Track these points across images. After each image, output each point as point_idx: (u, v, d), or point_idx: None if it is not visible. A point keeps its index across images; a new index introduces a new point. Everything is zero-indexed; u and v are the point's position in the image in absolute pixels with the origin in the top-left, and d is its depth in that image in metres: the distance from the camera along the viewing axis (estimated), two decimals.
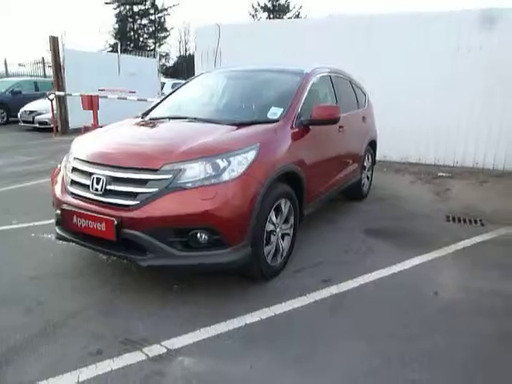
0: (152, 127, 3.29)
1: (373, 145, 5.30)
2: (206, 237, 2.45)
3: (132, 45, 34.87)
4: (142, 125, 3.36)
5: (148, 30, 36.26)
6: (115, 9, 34.78)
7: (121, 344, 2.24)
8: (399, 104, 7.17)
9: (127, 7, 34.67)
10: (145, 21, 35.55)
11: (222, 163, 2.52)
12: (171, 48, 41.94)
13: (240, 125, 3.03)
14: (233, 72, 4.10)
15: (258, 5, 35.60)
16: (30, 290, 2.79)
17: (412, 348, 2.25)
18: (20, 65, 16.74)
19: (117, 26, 35.20)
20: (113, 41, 35.12)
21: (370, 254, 3.51)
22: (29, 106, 11.52)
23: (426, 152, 7.31)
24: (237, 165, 2.55)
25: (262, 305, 2.64)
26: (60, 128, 10.73)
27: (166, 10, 34.76)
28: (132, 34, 35.88)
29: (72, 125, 10.70)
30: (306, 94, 3.48)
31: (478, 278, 3.11)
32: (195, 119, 3.26)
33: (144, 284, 2.90)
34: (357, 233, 4.00)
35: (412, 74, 7.10)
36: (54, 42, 10.02)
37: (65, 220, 2.72)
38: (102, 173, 2.62)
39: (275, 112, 3.26)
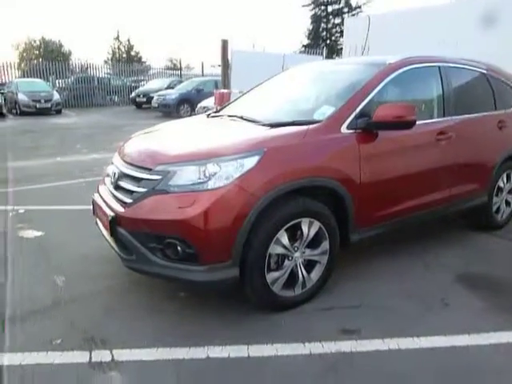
0: (193, 126, 3.18)
1: None
2: (180, 248, 2.19)
3: (323, 44, 35.63)
4: (190, 123, 3.29)
5: (340, 28, 36.28)
6: (311, 10, 36.10)
7: (82, 340, 2.22)
8: None
9: (322, 8, 35.45)
10: (337, 20, 35.65)
11: (212, 169, 2.21)
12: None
13: (276, 125, 2.61)
14: (311, 67, 3.60)
15: None
16: (82, 267, 3.07)
17: None
18: (212, 66, 19.24)
19: (311, 26, 36.52)
20: (306, 41, 36.71)
21: (441, 309, 2.57)
22: (203, 102, 13.03)
23: None
24: (228, 172, 2.19)
25: (245, 340, 2.22)
26: None
27: (359, 7, 34.04)
28: (324, 33, 36.61)
29: None
30: (377, 89, 2.75)
31: None
32: (241, 118, 2.97)
33: (158, 284, 2.82)
34: (445, 275, 2.99)
35: None
36: (224, 44, 11.00)
37: (93, 209, 2.88)
38: (118, 167, 2.66)
39: (324, 112, 2.69)
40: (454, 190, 3.28)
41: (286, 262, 2.43)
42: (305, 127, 2.51)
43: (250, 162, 2.22)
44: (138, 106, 17.34)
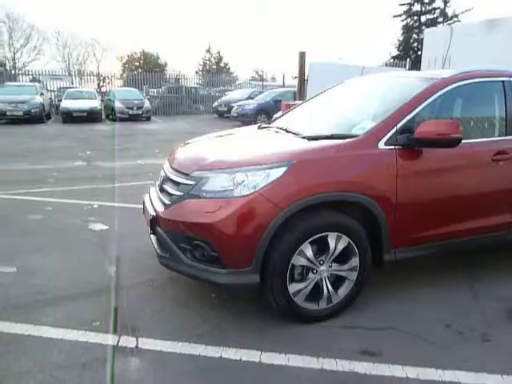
0: (238, 137, 3.33)
1: None
2: (205, 251, 2.33)
3: (414, 55, 34.03)
4: (237, 134, 3.43)
5: None
6: (403, 21, 34.79)
7: (116, 325, 2.46)
8: None
9: (415, 18, 33.99)
10: None
11: (240, 177, 2.32)
12: None
13: (313, 138, 2.65)
14: (366, 80, 3.55)
15: None
16: (133, 260, 3.38)
17: None
18: (293, 77, 19.48)
19: (401, 37, 35.16)
20: (396, 52, 35.37)
21: (479, 344, 2.36)
22: (279, 113, 13.27)
23: None
24: (254, 181, 2.28)
25: (260, 346, 2.27)
26: None
27: (456, 16, 31.92)
28: (416, 44, 34.99)
29: None
30: (423, 105, 2.63)
31: None
32: (286, 130, 3.05)
33: (195, 283, 2.97)
34: (495, 308, 2.72)
35: None
36: (302, 56, 11.14)
37: (143, 208, 3.15)
38: (165, 171, 2.90)
39: (364, 126, 2.66)
40: None
41: (311, 275, 2.43)
42: (339, 141, 2.51)
43: (277, 173, 2.28)
44: (220, 114, 18.18)
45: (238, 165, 2.39)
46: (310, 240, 2.35)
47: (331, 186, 2.37)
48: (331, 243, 2.41)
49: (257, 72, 40.88)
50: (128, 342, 2.31)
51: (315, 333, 2.43)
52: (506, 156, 2.83)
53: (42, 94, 15.59)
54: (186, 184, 2.51)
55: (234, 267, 2.29)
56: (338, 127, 2.92)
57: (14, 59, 36.73)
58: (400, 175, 2.51)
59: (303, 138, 2.71)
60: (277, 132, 3.09)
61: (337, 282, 2.52)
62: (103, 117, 16.63)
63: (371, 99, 3.19)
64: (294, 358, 2.18)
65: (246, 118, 14.76)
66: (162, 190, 2.81)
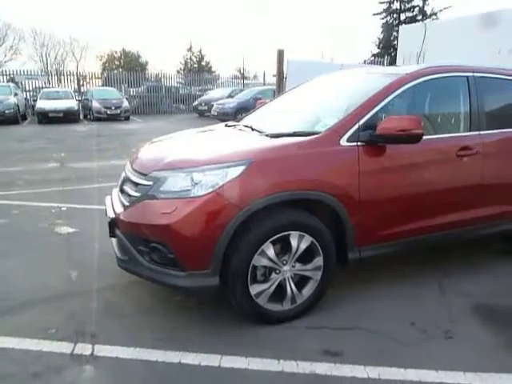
0: (203, 135, 3.25)
1: None
2: (163, 253, 2.25)
3: (394, 53, 34.42)
4: (202, 133, 3.35)
5: None
6: (382, 19, 35.13)
7: (73, 332, 2.36)
8: None
9: (394, 16, 34.36)
10: None
11: (197, 177, 2.25)
12: None
13: (276, 136, 2.60)
14: (333, 77, 3.52)
15: None
16: (97, 264, 3.25)
17: None
18: (274, 75, 19.41)
19: (381, 35, 35.51)
20: (376, 50, 35.71)
21: (442, 341, 2.34)
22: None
23: None
24: (212, 181, 2.21)
25: (221, 350, 2.21)
26: None
27: (435, 14, 32.34)
28: (395, 42, 35.39)
29: None
30: (386, 101, 2.61)
31: None
32: (251, 128, 3.00)
33: (159, 286, 2.91)
34: (461, 304, 2.72)
35: None
36: (280, 54, 11.09)
37: (105, 210, 3.06)
38: (125, 172, 2.81)
39: (327, 123, 2.62)
40: (481, 211, 2.98)
41: (274, 275, 2.38)
42: (301, 139, 2.47)
43: (235, 171, 2.22)
44: (200, 113, 17.99)
45: (196, 164, 2.32)
46: (271, 240, 2.30)
47: (292, 184, 2.32)
48: (293, 243, 2.36)
49: (239, 70, 40.71)
50: (84, 349, 2.22)
51: (279, 334, 2.38)
52: (470, 152, 2.83)
53: (16, 94, 15.19)
54: (144, 185, 2.43)
55: (192, 270, 2.22)
56: (303, 124, 2.88)
57: None
58: (363, 172, 2.48)
59: (266, 135, 2.67)
60: (242, 130, 3.03)
61: (301, 281, 2.48)
62: (81, 117, 16.31)
63: (337, 96, 3.16)
64: (254, 362, 2.13)
65: (226, 117, 14.59)
66: (122, 191, 2.73)
